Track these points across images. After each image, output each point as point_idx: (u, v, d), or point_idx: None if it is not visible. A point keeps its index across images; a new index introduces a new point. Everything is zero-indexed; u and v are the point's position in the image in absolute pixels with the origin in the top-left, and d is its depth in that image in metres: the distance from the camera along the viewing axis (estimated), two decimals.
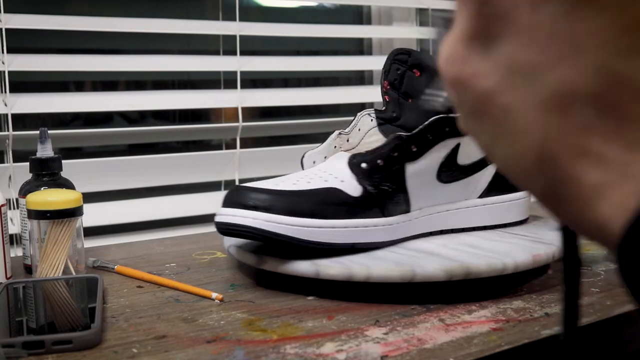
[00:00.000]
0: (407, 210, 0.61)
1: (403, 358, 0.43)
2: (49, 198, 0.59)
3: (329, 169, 0.60)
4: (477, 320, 0.50)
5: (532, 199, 0.66)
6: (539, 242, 0.61)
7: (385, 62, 0.65)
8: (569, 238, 0.27)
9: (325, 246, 0.56)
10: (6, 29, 0.81)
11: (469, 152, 0.63)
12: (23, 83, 0.87)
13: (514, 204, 0.68)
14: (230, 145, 1.03)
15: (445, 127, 0.61)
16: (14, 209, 0.82)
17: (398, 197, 0.60)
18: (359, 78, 1.19)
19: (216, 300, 0.55)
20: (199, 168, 0.96)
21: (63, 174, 0.67)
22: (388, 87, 0.65)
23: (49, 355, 0.44)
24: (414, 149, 0.60)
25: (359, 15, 1.18)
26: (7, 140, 0.82)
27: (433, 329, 0.48)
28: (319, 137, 0.67)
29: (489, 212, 0.66)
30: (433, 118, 0.60)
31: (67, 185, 0.66)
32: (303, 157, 0.64)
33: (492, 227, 0.67)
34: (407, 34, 1.12)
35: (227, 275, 0.63)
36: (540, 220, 0.71)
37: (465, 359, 0.43)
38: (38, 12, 0.85)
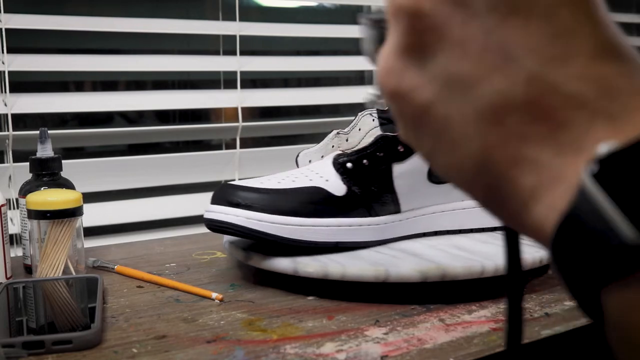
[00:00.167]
0: (397, 211, 0.61)
1: (403, 358, 0.43)
2: (49, 198, 0.59)
3: (316, 168, 0.61)
4: (477, 320, 0.50)
5: None
6: (530, 246, 0.60)
7: None
8: (512, 240, 0.28)
9: (306, 244, 0.57)
10: (6, 29, 0.81)
11: None
12: (23, 83, 0.87)
13: None
14: (230, 145, 1.03)
15: None
16: (14, 209, 0.82)
17: (386, 197, 0.60)
18: (359, 78, 1.19)
19: (216, 300, 0.55)
20: (199, 168, 0.96)
21: (63, 174, 0.67)
22: None
23: (49, 355, 0.44)
24: (401, 150, 0.60)
25: None
26: (7, 140, 0.82)
27: (433, 329, 0.48)
28: (319, 137, 0.67)
29: (485, 213, 0.66)
30: None
31: (67, 185, 0.66)
32: (298, 156, 0.65)
33: (491, 230, 0.66)
34: None
35: (227, 275, 0.63)
36: None
37: (465, 359, 0.43)
38: (38, 12, 0.84)
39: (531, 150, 0.21)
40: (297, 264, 0.55)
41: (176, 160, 0.94)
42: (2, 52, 0.81)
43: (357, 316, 0.51)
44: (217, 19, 0.99)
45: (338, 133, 0.65)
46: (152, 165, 0.92)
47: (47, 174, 0.65)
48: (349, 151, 0.61)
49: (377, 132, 0.66)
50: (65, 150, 0.93)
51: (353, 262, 0.55)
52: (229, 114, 1.05)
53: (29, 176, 0.66)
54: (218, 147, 1.06)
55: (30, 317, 0.51)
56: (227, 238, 0.64)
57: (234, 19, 0.97)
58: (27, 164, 0.66)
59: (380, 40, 0.26)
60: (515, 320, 0.28)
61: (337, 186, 0.59)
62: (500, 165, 0.21)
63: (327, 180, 0.59)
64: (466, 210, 0.65)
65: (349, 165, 0.59)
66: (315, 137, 1.06)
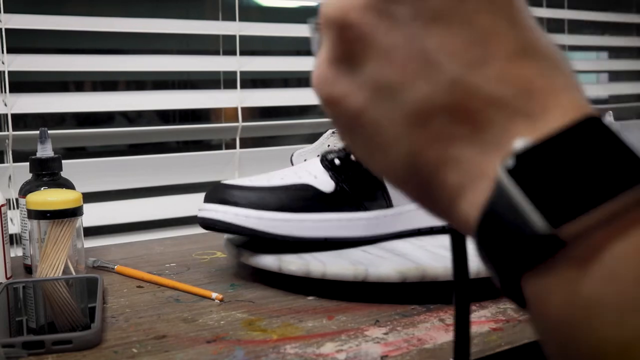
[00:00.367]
0: (388, 206, 0.61)
1: (403, 358, 0.43)
2: (49, 198, 0.59)
3: (306, 166, 0.61)
4: (477, 320, 0.50)
5: None
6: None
7: None
8: (459, 244, 0.28)
9: (293, 239, 0.57)
10: (6, 29, 0.81)
11: None
12: (23, 83, 0.87)
13: None
14: (230, 145, 1.03)
15: None
16: (14, 209, 0.82)
17: (376, 193, 0.60)
18: None
19: (216, 300, 0.55)
20: (199, 168, 0.96)
21: (63, 174, 0.67)
22: None
23: (49, 355, 0.44)
24: None
25: None
26: (7, 140, 0.82)
27: (433, 329, 0.48)
28: (319, 137, 0.67)
29: None
30: None
31: (67, 185, 0.66)
32: (292, 155, 0.65)
33: None
34: None
35: (227, 275, 0.63)
36: None
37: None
38: (38, 12, 0.84)
39: (456, 150, 0.22)
40: (282, 262, 0.56)
41: (176, 160, 0.94)
42: (2, 52, 0.81)
43: (357, 316, 0.51)
44: (216, 19, 0.99)
45: (333, 132, 0.65)
46: (152, 165, 0.92)
47: (47, 174, 0.65)
48: (337, 148, 0.61)
49: None
50: (66, 150, 0.92)
51: (334, 261, 0.55)
52: (229, 114, 1.05)
53: (29, 176, 0.66)
54: (218, 147, 1.06)
55: (30, 317, 0.51)
56: (227, 236, 0.65)
57: (233, 19, 0.97)
58: (27, 164, 0.66)
59: None
60: (463, 327, 0.28)
61: (325, 183, 0.59)
62: (428, 166, 0.23)
63: (315, 177, 0.59)
64: None
65: (336, 161, 0.60)
66: (315, 137, 1.06)
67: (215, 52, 0.99)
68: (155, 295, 0.58)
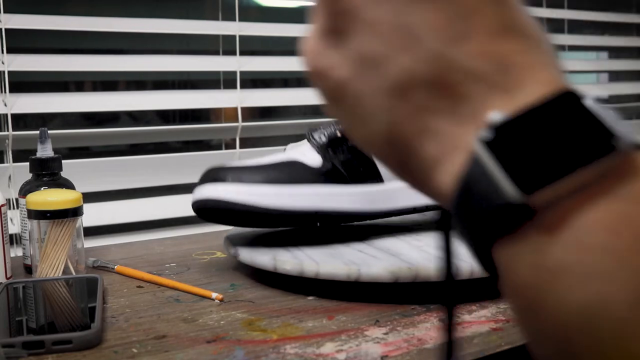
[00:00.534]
0: (379, 181, 0.61)
1: (403, 358, 0.43)
2: (49, 198, 0.59)
3: (295, 146, 0.62)
4: (477, 320, 0.50)
5: None
6: None
7: None
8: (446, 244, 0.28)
9: (283, 212, 0.57)
10: (6, 29, 0.81)
11: None
12: (23, 83, 0.87)
13: None
14: (230, 145, 1.03)
15: None
16: (14, 209, 0.82)
17: (366, 167, 0.60)
18: None
19: (216, 300, 0.55)
20: (199, 168, 0.95)
21: (63, 174, 0.67)
22: None
23: (49, 355, 0.44)
24: None
25: None
26: (7, 140, 0.82)
27: (433, 329, 0.48)
28: None
29: None
30: None
31: (67, 185, 0.66)
32: (284, 150, 0.65)
33: None
34: None
35: (227, 275, 0.63)
36: None
37: (465, 359, 0.43)
38: (37, 12, 0.84)
39: (435, 122, 0.23)
40: (276, 261, 0.56)
41: (176, 160, 0.94)
42: (2, 52, 0.81)
43: (357, 316, 0.51)
44: (216, 19, 0.99)
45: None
46: (152, 165, 0.92)
47: (47, 174, 0.65)
48: (324, 125, 0.62)
49: None
50: (66, 150, 0.92)
51: (328, 260, 0.55)
52: (229, 114, 1.05)
53: (29, 176, 0.66)
54: (218, 147, 1.06)
55: (30, 317, 0.51)
56: (226, 236, 0.65)
57: (233, 19, 0.97)
58: (27, 164, 0.66)
59: None
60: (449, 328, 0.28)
61: (313, 158, 0.59)
62: (407, 137, 0.23)
63: (304, 154, 0.60)
64: None
65: (322, 137, 0.60)
66: None
67: (215, 52, 1.00)
68: (155, 295, 0.58)
